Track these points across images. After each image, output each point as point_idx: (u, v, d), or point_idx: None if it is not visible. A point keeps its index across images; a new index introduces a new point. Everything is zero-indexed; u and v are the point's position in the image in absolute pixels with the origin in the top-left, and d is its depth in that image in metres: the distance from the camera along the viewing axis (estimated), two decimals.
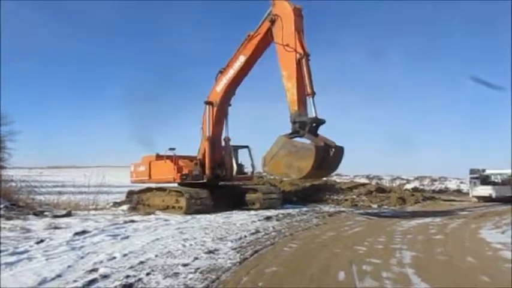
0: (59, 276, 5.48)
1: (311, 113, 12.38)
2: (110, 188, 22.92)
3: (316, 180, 24.41)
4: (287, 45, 12.89)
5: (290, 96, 12.66)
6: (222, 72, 16.30)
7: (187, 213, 14.51)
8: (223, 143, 17.32)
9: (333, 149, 12.39)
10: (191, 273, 5.91)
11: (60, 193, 18.56)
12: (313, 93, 12.33)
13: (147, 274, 5.74)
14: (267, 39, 14.28)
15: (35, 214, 13.17)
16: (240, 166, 18.10)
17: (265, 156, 12.75)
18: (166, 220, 12.36)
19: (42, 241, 7.99)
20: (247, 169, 18.39)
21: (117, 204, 18.22)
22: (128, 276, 5.55)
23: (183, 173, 16.59)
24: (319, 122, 12.42)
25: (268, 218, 13.24)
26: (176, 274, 5.81)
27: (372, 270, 6.46)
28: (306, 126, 12.26)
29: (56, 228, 10.18)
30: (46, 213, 13.54)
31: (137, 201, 17.73)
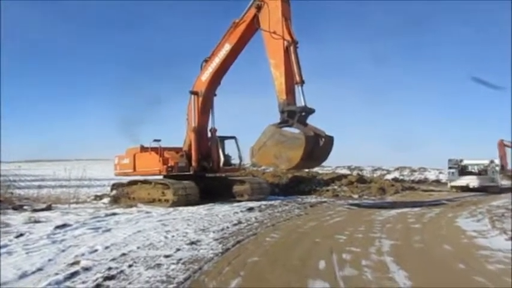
0: (39, 269, 5.46)
1: (300, 102, 12.18)
2: (90, 181, 22.76)
3: (298, 172, 24.60)
4: (274, 32, 12.59)
5: (278, 85, 12.43)
6: (207, 61, 15.90)
7: (173, 206, 14.26)
8: (209, 134, 17.03)
9: (323, 139, 12.23)
10: (173, 264, 5.95)
11: (39, 187, 18.38)
12: (302, 82, 12.08)
13: (129, 266, 5.76)
14: (253, 26, 13.94)
15: (14, 208, 13.02)
16: (227, 157, 17.65)
17: (253, 146, 12.58)
18: (148, 212, 12.35)
19: (21, 235, 7.93)
20: (234, 160, 17.94)
21: (98, 197, 18.07)
22: (109, 268, 5.56)
23: (169, 165, 16.32)
24: (309, 111, 12.24)
25: (250, 209, 13.32)
26: (158, 265, 5.85)
27: (352, 258, 6.60)
28: (295, 115, 12.06)
29: (35, 222, 10.09)
30: (25, 207, 13.41)
31: (122, 194, 17.46)
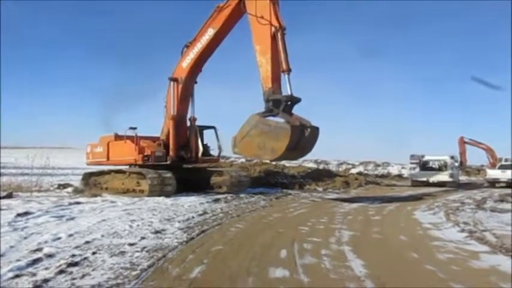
0: (1, 256, 5.42)
1: (286, 91, 11.86)
2: (53, 170, 22.23)
3: (265, 164, 24.87)
4: (261, 17, 12.13)
5: (263, 72, 12.04)
6: (188, 46, 15.21)
7: (149, 196, 13.81)
8: (188, 123, 16.44)
9: (308, 129, 11.92)
10: (137, 251, 6.04)
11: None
12: (288, 70, 11.72)
13: (93, 253, 5.80)
14: (239, 10, 13.38)
15: None
16: (206, 147, 16.98)
17: (235, 136, 12.18)
18: (113, 202, 12.26)
19: None
20: (213, 151, 17.26)
21: (61, 186, 17.74)
22: (73, 255, 5.59)
23: (145, 154, 15.58)
24: (295, 100, 11.92)
25: (216, 200, 13.43)
26: (122, 253, 5.92)
27: (312, 248, 6.86)
28: (281, 104, 11.71)
29: None
30: None
31: (94, 184, 16.99)
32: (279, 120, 11.82)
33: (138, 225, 8.21)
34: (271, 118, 11.92)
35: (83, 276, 4.74)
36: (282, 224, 9.42)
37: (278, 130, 11.39)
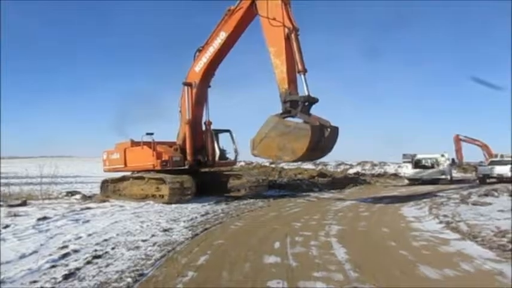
0: (35, 252, 6.37)
1: (302, 92, 11.72)
2: (57, 178, 22.93)
3: (263, 167, 25.85)
4: (273, 19, 12.11)
5: (279, 74, 11.97)
6: (200, 50, 15.23)
7: (169, 202, 13.92)
8: (203, 127, 16.47)
9: (328, 129, 11.80)
10: (150, 246, 6.99)
11: (7, 184, 18.65)
12: (304, 70, 11.63)
13: (112, 248, 6.74)
14: (251, 12, 13.38)
15: None
16: (222, 151, 17.02)
17: (253, 138, 12.08)
18: (121, 206, 13.18)
19: (8, 226, 8.70)
20: (230, 154, 17.30)
21: (69, 193, 18.59)
22: (95, 250, 6.53)
23: (163, 159, 15.54)
24: (312, 100, 11.77)
25: (217, 202, 14.35)
26: (137, 247, 6.87)
27: (303, 240, 7.79)
28: (298, 105, 11.63)
29: (15, 215, 10.76)
30: (0, 203, 13.95)
31: (112, 190, 17.19)
32: (298, 120, 11.78)
33: (147, 225, 9.15)
34: (290, 119, 11.89)
35: (107, 265, 5.68)
36: (277, 222, 10.35)
37: (298, 131, 11.29)
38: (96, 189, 19.50)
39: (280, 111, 11.91)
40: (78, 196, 17.78)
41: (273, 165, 30.89)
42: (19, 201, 14.33)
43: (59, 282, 4.87)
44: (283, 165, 32.88)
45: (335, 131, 12.16)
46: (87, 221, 9.67)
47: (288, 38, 11.87)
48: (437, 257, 6.33)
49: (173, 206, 13.30)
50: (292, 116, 11.81)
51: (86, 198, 16.99)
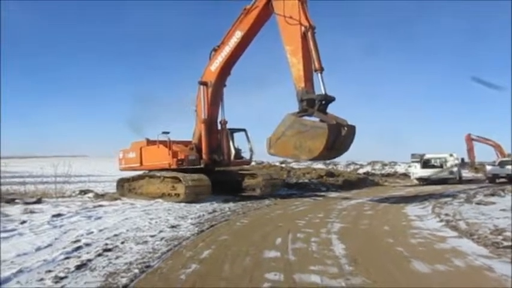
0: (50, 245, 6.78)
1: (319, 90, 11.75)
2: (70, 177, 23.40)
3: (273, 167, 26.16)
4: (290, 17, 12.16)
5: (296, 72, 11.97)
6: (216, 49, 15.30)
7: (185, 201, 14.01)
8: (219, 126, 16.55)
9: (345, 128, 11.80)
10: (158, 241, 7.36)
11: (21, 183, 19.18)
12: (321, 69, 11.64)
13: (122, 243, 7.13)
14: (266, 11, 13.48)
15: (7, 202, 14.09)
16: (238, 150, 17.15)
17: (270, 137, 12.11)
18: (132, 204, 13.61)
19: (24, 222, 9.16)
20: (245, 153, 17.38)
21: (82, 192, 19.12)
22: (106, 244, 6.92)
23: (179, 158, 15.72)
24: (329, 99, 11.77)
25: (225, 201, 14.71)
26: (145, 242, 7.24)
27: (304, 236, 8.09)
28: (315, 104, 11.66)
29: (31, 212, 11.20)
30: (17, 200, 14.48)
31: (128, 189, 17.45)
32: (315, 119, 11.82)
33: (156, 222, 9.54)
34: (306, 118, 11.88)
35: (117, 257, 6.06)
36: (282, 219, 10.67)
37: (315, 129, 11.29)
38: (109, 188, 20.03)
39: (297, 110, 11.92)
40: (90, 194, 18.29)
41: (282, 165, 31.21)
42: (34, 199, 14.85)
43: (72, 271, 5.25)
44: (293, 164, 33.19)
45: (352, 130, 12.13)
46: (99, 218, 10.09)
47: (304, 37, 11.89)
48: (431, 254, 6.58)
49: (182, 204, 13.67)
50: (309, 115, 11.83)
51: (98, 196, 17.47)
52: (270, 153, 12.59)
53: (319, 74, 11.71)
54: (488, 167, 28.16)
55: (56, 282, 4.84)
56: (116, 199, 15.72)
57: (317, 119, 11.77)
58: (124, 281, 4.93)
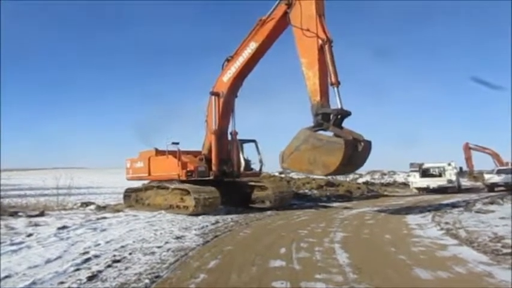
0: (59, 257, 6.90)
1: (335, 104, 11.57)
2: (69, 190, 23.37)
3: (273, 177, 26.29)
4: (307, 29, 12.00)
5: (311, 86, 11.80)
6: (229, 60, 15.15)
7: (194, 213, 13.65)
8: (229, 137, 16.36)
9: (362, 143, 11.54)
10: (164, 252, 7.50)
11: (21, 196, 19.25)
12: (337, 83, 11.45)
13: (130, 254, 7.26)
14: (283, 23, 13.32)
15: (10, 215, 14.18)
16: (247, 162, 16.90)
17: (283, 151, 11.98)
18: (135, 216, 13.70)
19: (31, 235, 9.26)
20: (254, 165, 17.15)
21: (84, 204, 19.20)
22: (114, 256, 7.06)
23: (188, 169, 15.37)
24: (345, 113, 11.58)
25: (228, 212, 14.83)
26: (153, 253, 7.38)
27: (308, 246, 8.24)
28: (330, 118, 11.49)
29: (36, 225, 11.30)
30: (20, 213, 14.57)
31: (135, 200, 17.32)
32: (329, 134, 11.62)
33: (161, 233, 9.67)
34: (321, 132, 11.70)
35: (126, 268, 6.20)
36: (284, 229, 10.81)
37: (331, 145, 11.09)
38: (109, 200, 20.14)
39: (312, 124, 11.75)
40: (92, 207, 18.35)
41: (282, 175, 31.34)
42: (37, 212, 14.93)
43: (84, 283, 5.39)
44: (293, 174, 33.29)
45: (368, 145, 11.93)
46: (104, 230, 10.21)
47: (321, 49, 11.76)
48: (433, 261, 6.75)
49: (184, 215, 13.76)
50: (324, 130, 11.64)
51: (100, 208, 17.57)
52: (283, 168, 12.49)
53: (335, 88, 11.53)
54: (487, 176, 28.39)
55: None
56: (118, 211, 15.80)
57: (331, 133, 11.58)
58: None
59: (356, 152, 11.39)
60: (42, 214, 14.75)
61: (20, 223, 11.75)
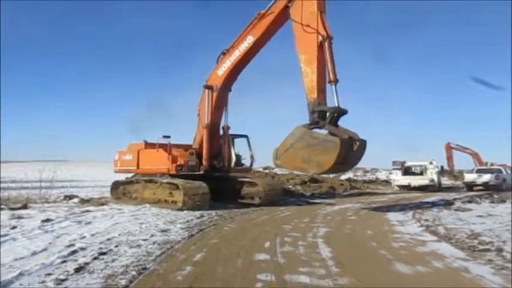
0: (45, 249, 6.91)
1: (332, 102, 11.49)
2: (52, 183, 23.10)
3: (257, 172, 26.42)
4: (307, 25, 11.80)
5: (308, 83, 11.65)
6: (225, 53, 14.83)
7: (183, 209, 13.34)
8: (221, 132, 16.13)
9: (357, 143, 11.44)
10: (150, 244, 7.58)
11: (3, 188, 18.95)
12: (336, 81, 11.34)
13: (116, 246, 7.31)
14: (282, 17, 13.11)
15: None
16: (238, 157, 16.73)
17: (277, 148, 11.85)
18: (119, 209, 13.67)
19: (15, 227, 9.22)
20: (245, 160, 17.06)
21: (67, 197, 19.06)
22: (100, 248, 7.10)
23: (178, 163, 15.10)
24: (341, 112, 11.48)
25: (212, 206, 14.88)
26: (139, 246, 7.45)
27: (292, 240, 8.41)
28: (326, 116, 11.43)
29: (19, 218, 11.19)
30: (2, 206, 14.41)
31: (123, 193, 17.00)
32: (325, 132, 11.53)
33: (146, 227, 9.72)
34: (317, 130, 11.57)
35: (113, 260, 6.26)
36: (269, 224, 10.97)
37: (326, 143, 10.96)
38: (92, 193, 20.01)
39: (308, 122, 11.63)
40: (76, 200, 18.21)
41: (266, 171, 31.55)
42: (20, 205, 14.80)
43: (71, 274, 5.44)
44: (276, 170, 33.49)
45: (363, 144, 11.80)
46: (89, 223, 10.20)
47: (321, 46, 11.60)
48: (412, 256, 6.98)
49: (169, 209, 13.78)
50: (320, 127, 11.52)
51: (84, 201, 17.46)
52: (276, 165, 12.34)
53: (333, 86, 11.44)
54: (467, 175, 29.03)
55: (58, 284, 5.03)
56: (102, 204, 15.74)
57: (326, 132, 11.51)
58: (123, 282, 5.15)
59: (351, 151, 11.34)
60: (25, 207, 14.62)
61: (2, 216, 11.65)
